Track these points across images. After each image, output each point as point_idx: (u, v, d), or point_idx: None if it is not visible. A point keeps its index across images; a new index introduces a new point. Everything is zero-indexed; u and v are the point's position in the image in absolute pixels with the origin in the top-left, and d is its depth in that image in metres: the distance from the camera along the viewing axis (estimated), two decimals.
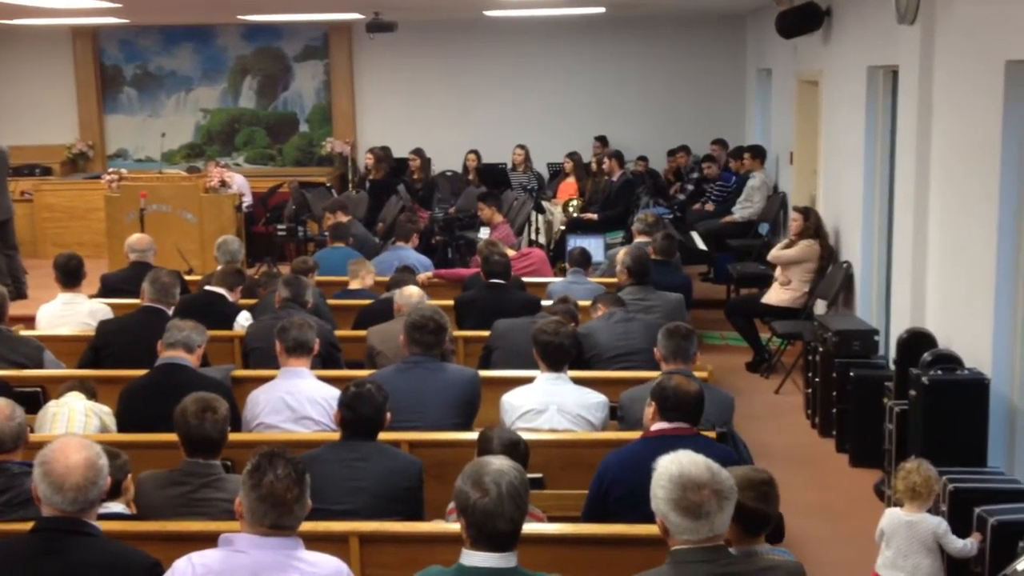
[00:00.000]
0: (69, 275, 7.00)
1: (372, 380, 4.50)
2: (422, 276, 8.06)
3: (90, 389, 5.38)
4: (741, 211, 11.76)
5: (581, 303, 6.80)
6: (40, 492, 3.24)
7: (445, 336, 5.32)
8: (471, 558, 2.98)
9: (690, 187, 13.11)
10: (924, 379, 5.31)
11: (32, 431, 4.44)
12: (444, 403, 5.10)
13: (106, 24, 14.41)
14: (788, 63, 11.16)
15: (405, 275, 7.43)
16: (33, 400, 5.50)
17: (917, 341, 6.00)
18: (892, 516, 4.65)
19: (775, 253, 8.94)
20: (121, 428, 5.13)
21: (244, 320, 6.79)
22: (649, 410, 4.13)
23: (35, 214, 13.59)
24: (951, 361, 5.53)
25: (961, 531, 4.66)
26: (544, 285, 7.92)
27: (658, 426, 4.06)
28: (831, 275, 8.55)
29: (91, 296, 7.43)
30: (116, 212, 11.36)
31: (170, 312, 6.20)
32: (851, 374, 6.72)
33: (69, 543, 3.20)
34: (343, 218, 9.61)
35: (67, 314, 6.96)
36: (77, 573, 3.17)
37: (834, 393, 7.00)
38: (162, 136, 14.30)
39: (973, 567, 4.56)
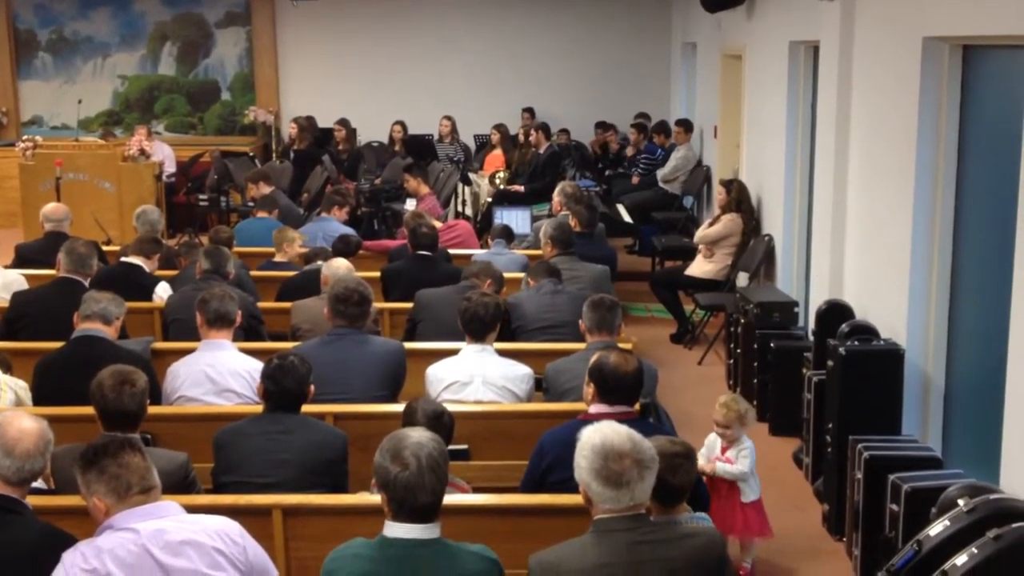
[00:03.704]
0: None
1: (296, 352, 4.45)
2: None
3: (5, 362, 5.26)
4: (662, 171, 11.94)
5: (505, 275, 6.80)
6: None
7: (370, 308, 5.28)
8: (394, 530, 2.98)
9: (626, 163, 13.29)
10: (841, 350, 5.42)
11: None
12: (369, 375, 5.07)
13: None
14: (712, 38, 11.24)
15: (326, 248, 7.36)
16: None
17: (835, 312, 6.12)
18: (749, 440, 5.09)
19: (701, 234, 9.00)
20: (36, 401, 5.02)
21: (162, 291, 6.67)
22: (588, 390, 4.10)
23: None
24: (868, 332, 5.65)
25: (876, 499, 4.79)
26: (469, 257, 7.90)
27: (599, 408, 4.02)
28: (753, 248, 8.67)
29: (5, 266, 7.25)
30: (31, 180, 11.08)
31: (87, 283, 6.07)
32: (771, 345, 6.83)
33: None
34: (266, 188, 9.48)
35: None
36: (2, 550, 3.12)
37: (755, 364, 7.12)
38: (79, 103, 13.95)
39: (887, 532, 4.68)
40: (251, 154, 12.86)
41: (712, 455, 5.05)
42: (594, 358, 4.13)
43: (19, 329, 6.01)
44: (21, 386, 5.10)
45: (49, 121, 15.20)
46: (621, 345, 5.02)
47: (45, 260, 7.14)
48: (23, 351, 5.61)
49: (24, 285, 6.72)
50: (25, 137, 12.18)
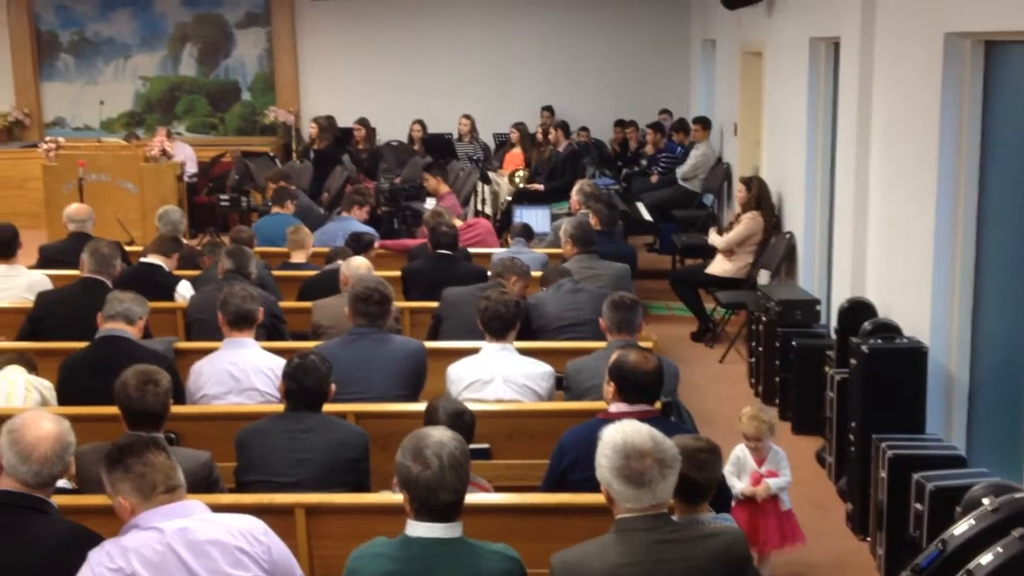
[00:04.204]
0: (4, 246, 6.86)
1: (316, 351, 4.47)
2: None
3: (30, 362, 5.29)
4: (681, 171, 11.91)
5: None
6: (5, 461, 3.21)
7: (390, 307, 5.29)
8: (416, 529, 2.99)
9: (643, 163, 13.25)
10: (864, 348, 5.39)
11: None
12: (390, 374, 5.08)
13: None
14: (732, 34, 11.21)
15: (346, 249, 7.36)
16: None
17: (857, 310, 6.09)
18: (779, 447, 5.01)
19: (724, 241, 8.82)
20: (61, 401, 5.05)
21: (184, 290, 6.70)
22: (609, 388, 4.10)
23: None
24: (890, 330, 5.62)
25: (900, 498, 4.77)
26: (489, 255, 7.90)
27: (619, 407, 4.01)
28: (774, 245, 8.64)
29: (29, 267, 7.29)
30: (54, 181, 11.16)
31: (110, 283, 6.10)
32: (793, 343, 6.80)
33: (23, 519, 3.17)
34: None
35: (5, 287, 6.82)
36: (27, 550, 3.13)
37: (777, 362, 7.09)
38: (100, 104, 14.04)
39: (912, 531, 4.66)
40: (271, 154, 12.89)
41: (745, 470, 4.92)
42: (613, 356, 4.12)
43: (44, 329, 6.05)
44: (46, 386, 5.14)
45: (71, 122, 15.31)
46: (642, 343, 5.01)
47: (69, 261, 7.18)
48: (48, 351, 5.64)
49: (48, 285, 6.76)
50: (48, 138, 12.27)
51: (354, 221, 8.69)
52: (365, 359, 5.07)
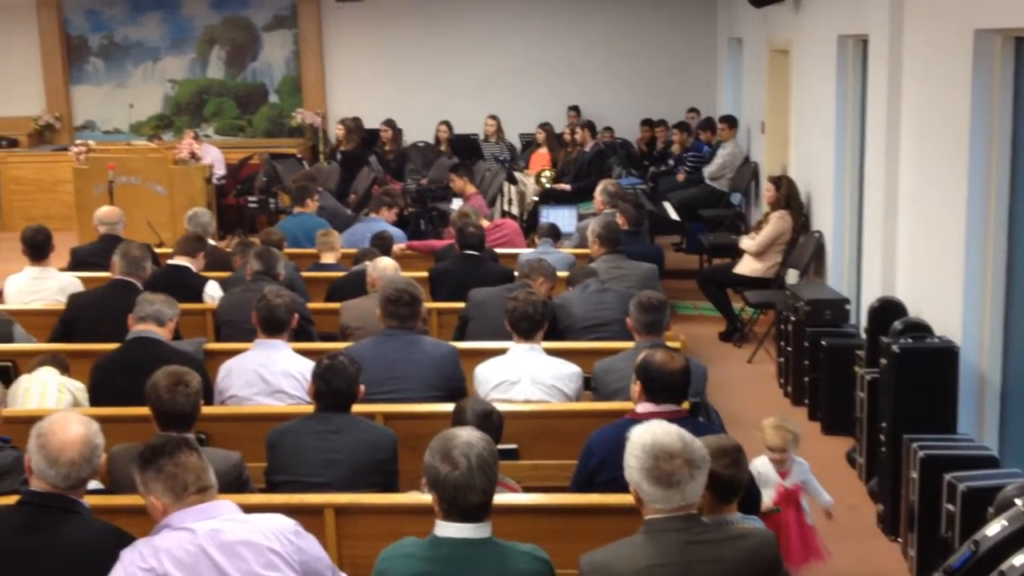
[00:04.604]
0: (36, 248, 6.92)
1: (346, 352, 4.48)
2: (395, 248, 8.02)
3: (62, 363, 5.35)
4: (709, 170, 11.85)
5: None
6: (33, 464, 3.23)
7: (420, 307, 5.30)
8: (445, 529, 3.00)
9: (671, 162, 13.21)
10: (895, 347, 5.36)
11: (5, 406, 4.42)
12: (422, 376, 5.08)
13: None
14: (759, 32, 11.16)
15: (374, 250, 7.39)
16: (3, 374, 5.47)
17: (888, 309, 6.05)
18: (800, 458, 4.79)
19: (755, 244, 8.75)
20: (93, 402, 5.09)
21: (213, 291, 6.74)
22: (635, 387, 4.10)
23: (2, 187, 13.48)
24: (921, 329, 5.58)
25: (932, 498, 4.72)
26: (516, 256, 7.90)
27: (647, 408, 4.00)
28: (803, 244, 8.59)
29: (61, 269, 7.36)
30: (85, 184, 11.25)
31: (141, 285, 6.15)
32: (823, 343, 6.76)
33: (54, 519, 3.20)
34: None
35: (38, 289, 6.88)
36: (60, 550, 3.16)
37: (806, 362, 7.05)
38: (130, 107, 14.15)
39: (943, 532, 4.62)
40: (299, 156, 12.95)
41: (769, 484, 4.61)
42: (640, 356, 4.13)
43: (75, 331, 6.10)
44: (78, 387, 5.19)
45: (101, 125, 15.44)
46: (669, 343, 4.99)
47: (100, 263, 7.23)
48: (79, 353, 5.69)
49: (79, 288, 6.81)
50: (78, 141, 12.40)
51: (382, 222, 8.71)
52: (397, 360, 5.08)
